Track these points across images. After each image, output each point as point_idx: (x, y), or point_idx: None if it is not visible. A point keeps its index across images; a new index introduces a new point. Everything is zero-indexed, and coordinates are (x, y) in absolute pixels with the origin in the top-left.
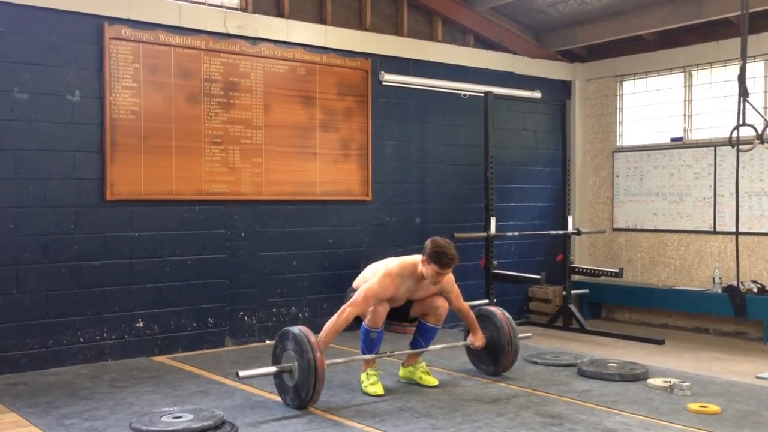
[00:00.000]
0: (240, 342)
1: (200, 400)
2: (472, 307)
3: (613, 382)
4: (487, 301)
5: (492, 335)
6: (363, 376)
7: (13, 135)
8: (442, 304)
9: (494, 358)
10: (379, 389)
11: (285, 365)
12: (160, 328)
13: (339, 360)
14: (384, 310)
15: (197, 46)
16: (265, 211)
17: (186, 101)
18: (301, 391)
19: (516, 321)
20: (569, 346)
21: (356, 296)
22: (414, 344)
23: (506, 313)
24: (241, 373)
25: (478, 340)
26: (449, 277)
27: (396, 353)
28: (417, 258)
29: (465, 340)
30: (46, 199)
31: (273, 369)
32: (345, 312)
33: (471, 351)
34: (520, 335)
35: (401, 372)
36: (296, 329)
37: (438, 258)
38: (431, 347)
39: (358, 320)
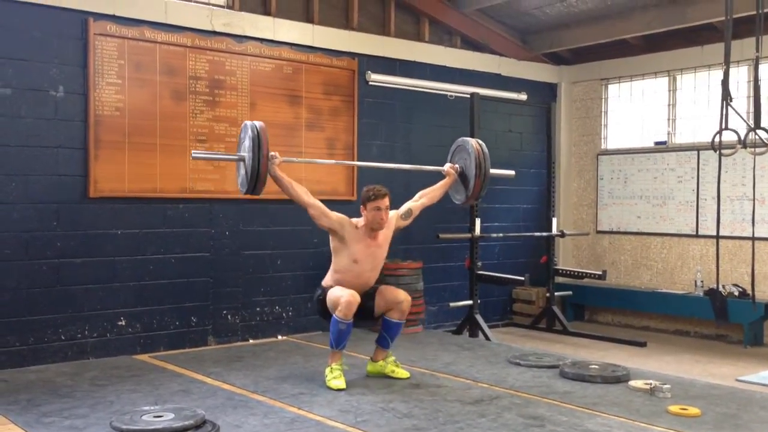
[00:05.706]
0: (223, 341)
1: (182, 399)
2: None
3: (595, 383)
4: (471, 302)
5: (465, 163)
6: (327, 370)
7: None
8: (404, 298)
9: (465, 185)
10: (341, 384)
11: (241, 154)
12: (143, 326)
13: (295, 159)
14: (355, 301)
15: (183, 44)
16: (250, 209)
17: (171, 98)
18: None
19: (500, 322)
20: (552, 347)
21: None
22: (380, 341)
23: (480, 143)
24: (194, 153)
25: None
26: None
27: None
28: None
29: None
30: (28, 195)
31: (229, 156)
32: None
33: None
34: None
35: (369, 367)
36: (255, 124)
37: (367, 194)
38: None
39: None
